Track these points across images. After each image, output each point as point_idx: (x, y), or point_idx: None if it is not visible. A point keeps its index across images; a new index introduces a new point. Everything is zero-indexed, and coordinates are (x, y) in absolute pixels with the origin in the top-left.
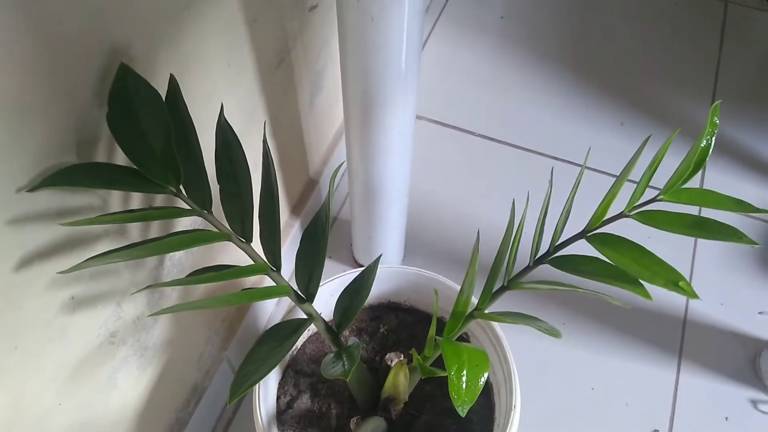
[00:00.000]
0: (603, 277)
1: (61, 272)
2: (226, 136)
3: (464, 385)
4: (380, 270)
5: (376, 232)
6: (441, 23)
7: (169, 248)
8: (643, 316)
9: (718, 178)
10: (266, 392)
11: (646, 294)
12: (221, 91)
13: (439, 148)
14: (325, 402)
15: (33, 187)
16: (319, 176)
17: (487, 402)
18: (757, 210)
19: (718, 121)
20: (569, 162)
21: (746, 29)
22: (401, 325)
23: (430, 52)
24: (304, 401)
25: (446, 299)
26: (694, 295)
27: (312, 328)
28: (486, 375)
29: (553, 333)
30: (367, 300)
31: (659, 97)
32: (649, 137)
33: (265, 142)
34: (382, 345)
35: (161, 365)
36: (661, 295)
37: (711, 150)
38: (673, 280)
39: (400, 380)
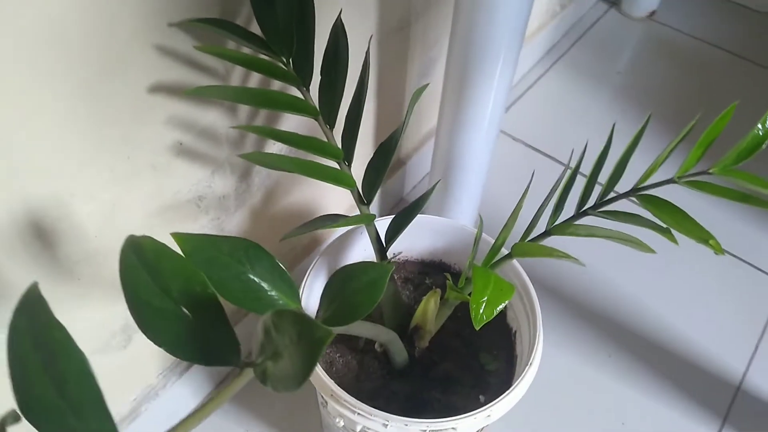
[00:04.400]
0: (641, 225)
1: (186, 92)
2: (337, 33)
3: (485, 304)
4: (437, 221)
5: (448, 215)
6: (558, 66)
7: (267, 101)
8: (695, 371)
9: None
10: (308, 300)
11: (673, 239)
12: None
13: (520, 166)
14: None
15: (180, 23)
16: (408, 160)
17: (508, 370)
18: None
19: None
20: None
21: None
22: (445, 285)
23: (541, 88)
24: None
25: None
26: (721, 251)
27: None
28: (506, 302)
29: (576, 261)
30: (419, 254)
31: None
32: (700, 114)
33: (367, 53)
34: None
35: None
36: (718, 359)
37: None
38: (704, 237)
39: (429, 307)
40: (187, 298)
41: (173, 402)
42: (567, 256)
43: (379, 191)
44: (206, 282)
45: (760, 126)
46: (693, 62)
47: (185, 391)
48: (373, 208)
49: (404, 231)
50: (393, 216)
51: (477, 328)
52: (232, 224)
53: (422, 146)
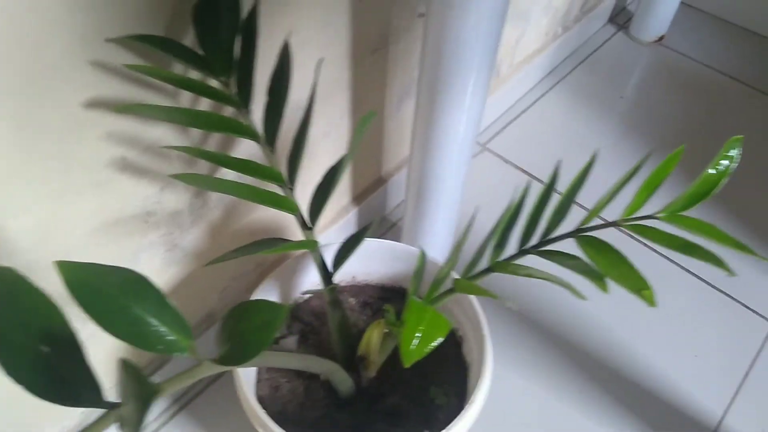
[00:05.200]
0: (576, 269)
1: (114, 109)
2: (284, 57)
3: (416, 340)
4: (396, 247)
5: (422, 236)
6: (559, 88)
7: (203, 123)
8: (670, 411)
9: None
10: None
11: (604, 286)
12: (311, 46)
13: (508, 189)
14: (309, 351)
15: (116, 39)
16: (390, 177)
17: (459, 406)
18: (756, 254)
19: (734, 154)
20: (630, 236)
21: None
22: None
23: (537, 110)
24: (290, 343)
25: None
26: (653, 303)
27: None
28: (440, 340)
29: (509, 304)
30: (380, 279)
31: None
32: (650, 153)
33: (315, 77)
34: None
35: (185, 272)
36: (696, 400)
37: (723, 182)
38: (638, 287)
39: (372, 337)
40: (47, 336)
41: None
42: (495, 296)
43: (356, 209)
44: (65, 320)
45: (711, 169)
46: (700, 90)
47: None
48: (351, 224)
49: (364, 256)
50: (341, 242)
51: (406, 366)
52: (187, 240)
53: (405, 166)
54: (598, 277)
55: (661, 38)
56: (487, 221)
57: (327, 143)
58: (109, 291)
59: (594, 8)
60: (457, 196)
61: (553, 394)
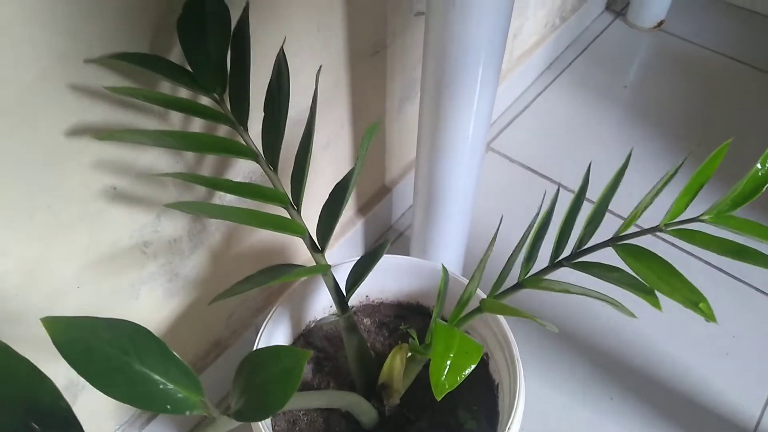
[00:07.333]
0: (620, 283)
1: (97, 137)
2: (280, 66)
3: (447, 369)
4: (411, 263)
5: (433, 247)
6: (560, 81)
7: (195, 145)
8: (706, 418)
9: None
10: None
11: (656, 304)
12: (305, 53)
13: (517, 189)
14: (325, 379)
15: (96, 59)
16: (394, 185)
17: (489, 428)
18: None
19: None
20: (665, 241)
21: None
22: (424, 329)
23: (540, 105)
24: (306, 372)
25: None
26: (713, 318)
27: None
28: (473, 366)
29: (544, 324)
30: (395, 296)
31: None
32: (687, 155)
33: (316, 86)
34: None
35: (189, 301)
36: (732, 401)
37: None
38: (693, 300)
39: (395, 364)
40: (34, 412)
41: None
42: (534, 318)
43: (362, 221)
44: (57, 391)
45: (759, 165)
46: (705, 74)
47: None
48: (358, 237)
49: (377, 273)
50: (354, 261)
51: (438, 399)
52: (188, 268)
53: (409, 172)
54: (646, 292)
55: (660, 24)
56: (502, 228)
57: (328, 155)
58: (104, 349)
59: None
60: (469, 202)
61: (584, 403)
